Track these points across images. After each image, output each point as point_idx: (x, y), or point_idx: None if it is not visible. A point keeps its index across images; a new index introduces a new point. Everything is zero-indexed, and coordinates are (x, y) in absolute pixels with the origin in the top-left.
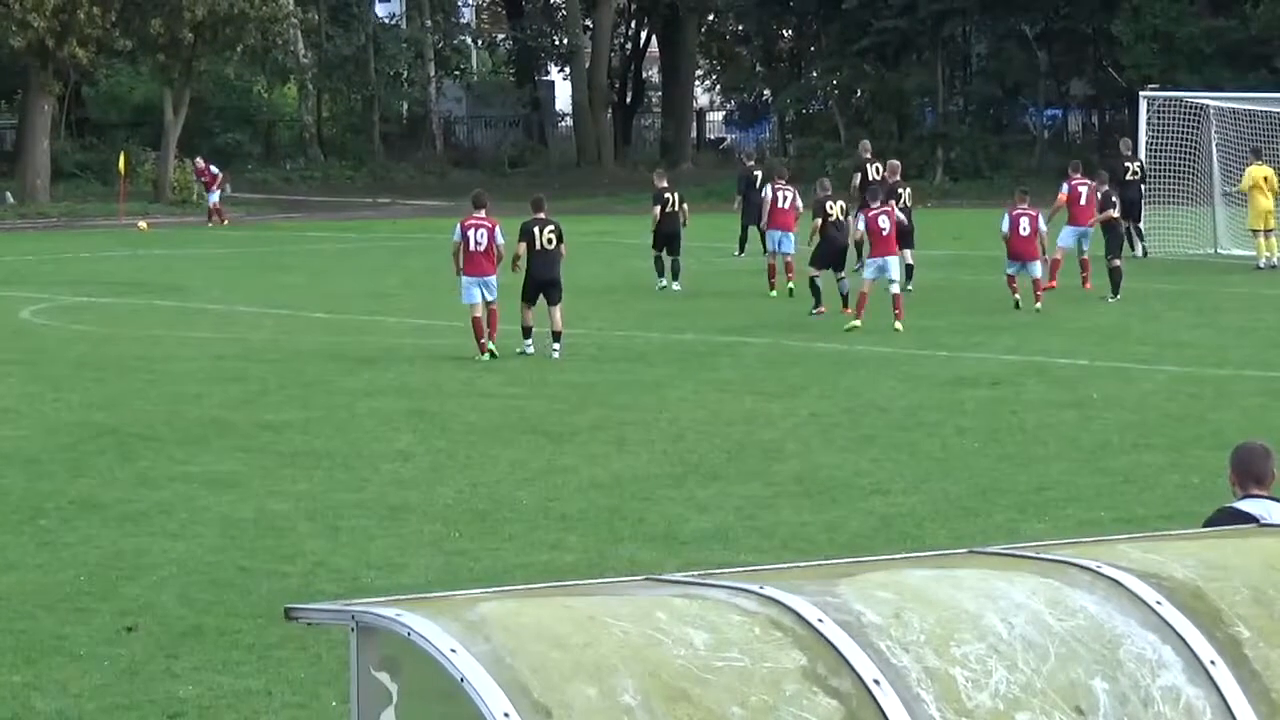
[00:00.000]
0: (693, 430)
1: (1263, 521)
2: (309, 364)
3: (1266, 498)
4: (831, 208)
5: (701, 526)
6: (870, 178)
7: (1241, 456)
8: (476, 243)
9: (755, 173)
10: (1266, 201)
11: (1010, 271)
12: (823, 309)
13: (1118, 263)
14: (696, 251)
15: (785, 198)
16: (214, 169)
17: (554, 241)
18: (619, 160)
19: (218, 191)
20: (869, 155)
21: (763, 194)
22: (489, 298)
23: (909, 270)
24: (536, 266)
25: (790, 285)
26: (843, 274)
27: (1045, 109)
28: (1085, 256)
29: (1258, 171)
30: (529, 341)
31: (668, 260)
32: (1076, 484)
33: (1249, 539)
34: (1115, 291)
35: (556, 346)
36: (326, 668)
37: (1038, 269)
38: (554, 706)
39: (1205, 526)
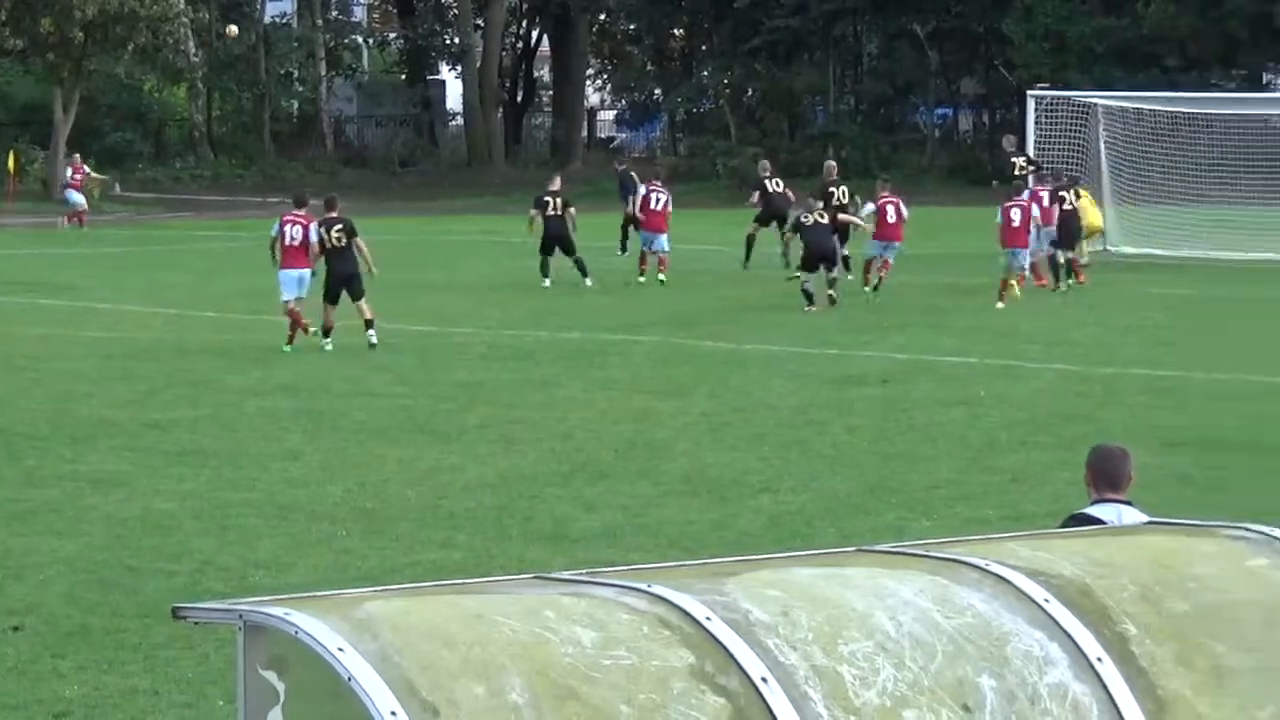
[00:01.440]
0: (581, 429)
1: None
2: (197, 363)
3: (1120, 501)
4: (806, 217)
5: (589, 525)
6: (770, 191)
7: (1099, 458)
8: (291, 238)
9: (631, 173)
10: (1097, 220)
11: (874, 253)
12: (814, 307)
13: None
14: (582, 251)
15: (659, 199)
16: (86, 170)
17: (343, 240)
18: (509, 159)
19: (81, 194)
20: (769, 173)
21: (629, 197)
22: (300, 294)
23: (845, 261)
24: (332, 265)
25: (661, 277)
26: (834, 273)
27: (936, 108)
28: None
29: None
30: (328, 340)
31: (569, 261)
32: (965, 482)
33: (1136, 536)
34: (1068, 278)
35: (371, 333)
36: (214, 667)
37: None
38: (441, 705)
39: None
